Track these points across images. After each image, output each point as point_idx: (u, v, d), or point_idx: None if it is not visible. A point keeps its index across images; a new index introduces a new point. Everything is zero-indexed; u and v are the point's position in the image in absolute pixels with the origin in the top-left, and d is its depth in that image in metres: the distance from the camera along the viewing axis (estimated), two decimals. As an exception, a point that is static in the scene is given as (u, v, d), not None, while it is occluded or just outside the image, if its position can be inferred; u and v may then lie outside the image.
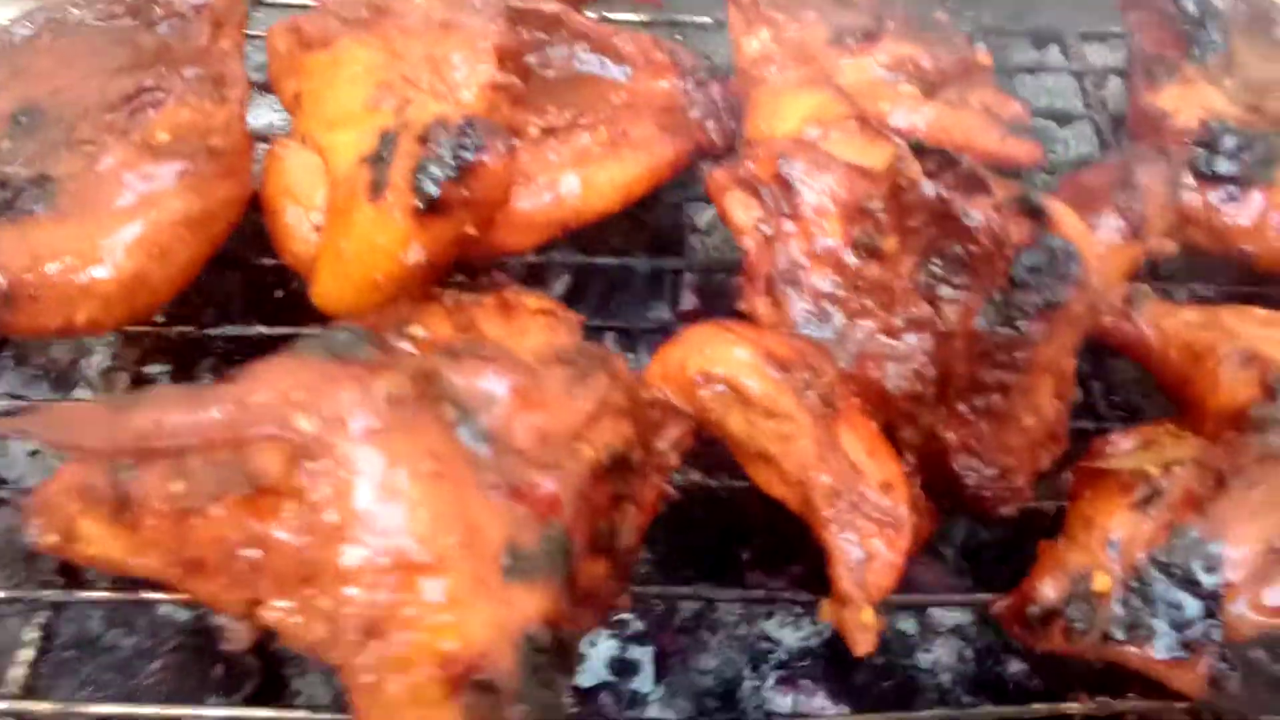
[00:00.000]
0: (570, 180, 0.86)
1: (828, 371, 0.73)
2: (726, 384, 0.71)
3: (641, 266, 0.99)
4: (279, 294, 1.11)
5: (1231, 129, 0.93)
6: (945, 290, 0.73)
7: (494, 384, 0.54)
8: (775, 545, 0.97)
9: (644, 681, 0.91)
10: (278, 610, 0.57)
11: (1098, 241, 0.69)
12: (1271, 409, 0.76)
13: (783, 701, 0.90)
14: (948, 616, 0.97)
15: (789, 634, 0.96)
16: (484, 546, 0.49)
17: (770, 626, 0.96)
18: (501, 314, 0.72)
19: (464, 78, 0.82)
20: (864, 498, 0.71)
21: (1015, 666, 0.94)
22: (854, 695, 0.90)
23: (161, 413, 0.49)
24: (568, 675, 0.53)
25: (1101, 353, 0.95)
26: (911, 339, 0.75)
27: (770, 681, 0.93)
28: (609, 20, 0.98)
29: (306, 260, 0.81)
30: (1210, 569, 0.69)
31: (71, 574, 0.70)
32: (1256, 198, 0.92)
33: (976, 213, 0.70)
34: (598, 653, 0.91)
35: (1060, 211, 0.68)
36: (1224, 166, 0.92)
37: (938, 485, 0.78)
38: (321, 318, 0.83)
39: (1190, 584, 0.69)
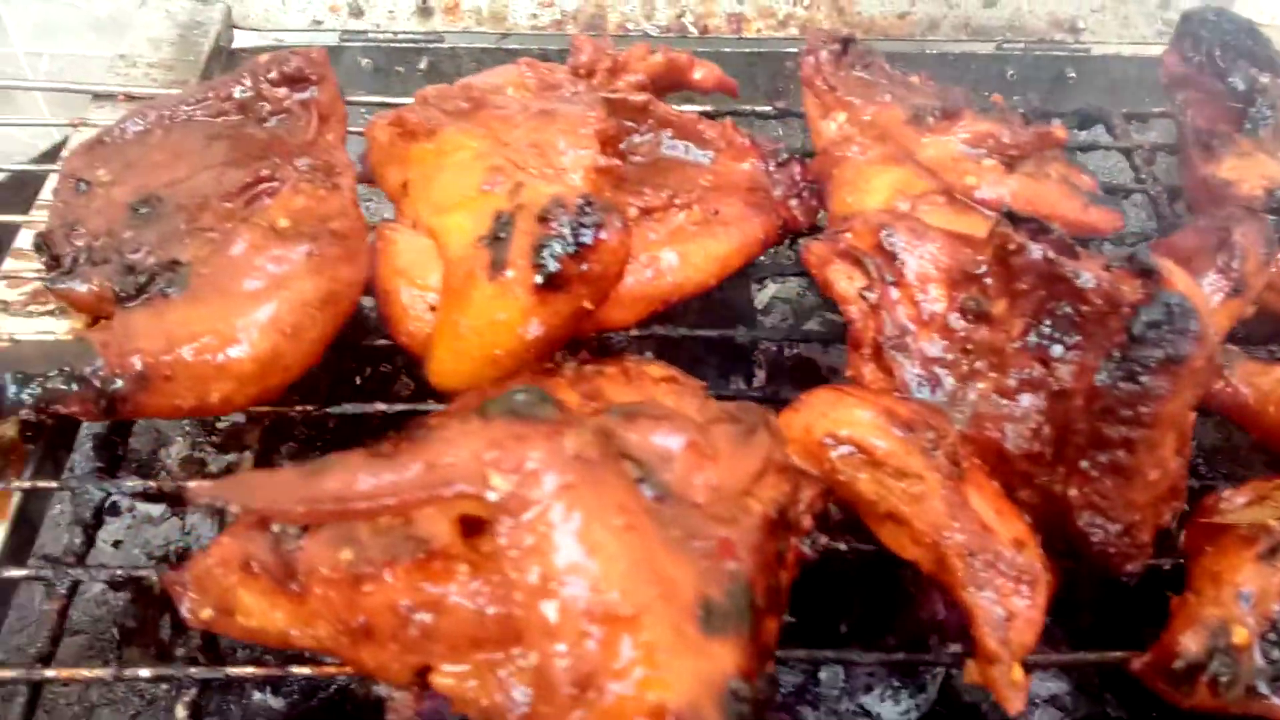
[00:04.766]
0: (669, 256, 0.89)
1: (949, 432, 0.74)
2: (854, 445, 0.72)
3: (715, 338, 1.00)
4: (385, 370, 1.14)
5: (1297, 195, 0.96)
6: (1057, 350, 0.75)
7: (668, 440, 0.55)
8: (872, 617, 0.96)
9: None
10: (450, 675, 0.57)
11: (1208, 298, 0.71)
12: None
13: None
14: (1044, 686, 0.96)
15: (889, 708, 0.95)
16: (680, 599, 0.49)
17: (870, 700, 0.94)
18: (626, 382, 0.73)
19: (570, 161, 0.85)
20: (999, 555, 0.71)
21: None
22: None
23: (353, 476, 0.50)
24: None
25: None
26: (1026, 399, 0.77)
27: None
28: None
29: (422, 339, 0.83)
30: (1347, 616, 0.69)
31: (214, 650, 0.69)
32: (1330, 259, 0.95)
33: (1088, 273, 0.72)
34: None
35: (1171, 269, 0.70)
36: (1297, 231, 0.95)
37: (1057, 544, 0.79)
38: (435, 395, 0.84)
39: (1330, 632, 0.69)
